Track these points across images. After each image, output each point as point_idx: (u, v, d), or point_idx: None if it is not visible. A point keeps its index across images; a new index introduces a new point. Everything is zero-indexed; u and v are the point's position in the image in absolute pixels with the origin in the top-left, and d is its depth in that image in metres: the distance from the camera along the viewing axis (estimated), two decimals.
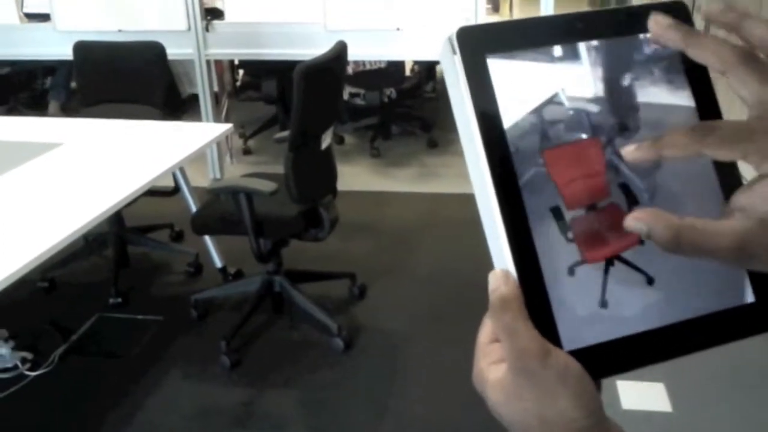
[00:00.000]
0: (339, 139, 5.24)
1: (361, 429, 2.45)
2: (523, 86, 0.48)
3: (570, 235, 0.48)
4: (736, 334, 0.47)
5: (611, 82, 0.50)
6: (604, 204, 0.50)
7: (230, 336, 2.79)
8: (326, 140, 2.79)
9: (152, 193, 2.98)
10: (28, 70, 5.99)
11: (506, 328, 0.43)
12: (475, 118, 0.45)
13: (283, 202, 2.69)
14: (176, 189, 3.35)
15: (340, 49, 2.76)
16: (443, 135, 5.19)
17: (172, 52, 3.64)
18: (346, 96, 5.13)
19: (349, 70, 4.77)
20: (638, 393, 2.51)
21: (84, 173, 2.58)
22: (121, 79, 3.51)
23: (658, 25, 0.44)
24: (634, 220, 0.42)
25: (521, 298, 0.44)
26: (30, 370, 2.71)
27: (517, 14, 7.07)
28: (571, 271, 0.48)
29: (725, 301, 0.48)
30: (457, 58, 0.45)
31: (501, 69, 0.47)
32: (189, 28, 4.24)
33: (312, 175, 2.75)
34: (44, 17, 4.48)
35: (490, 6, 5.30)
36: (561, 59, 0.49)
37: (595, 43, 0.49)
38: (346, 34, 3.19)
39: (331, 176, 2.93)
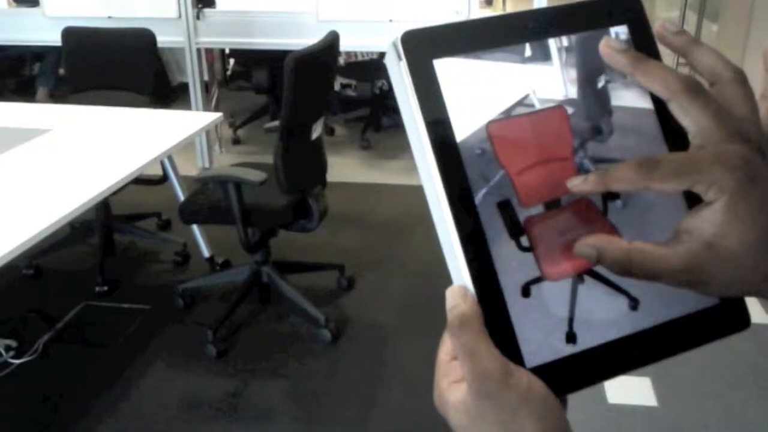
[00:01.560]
0: (329, 130, 5.22)
1: (348, 420, 2.45)
2: (482, 91, 0.45)
3: (524, 241, 0.44)
4: (701, 339, 0.45)
5: (584, 83, 0.47)
6: (571, 200, 0.45)
7: (217, 326, 2.78)
8: (316, 131, 2.77)
9: (140, 181, 2.96)
10: (16, 55, 5.93)
11: (465, 348, 0.41)
12: (425, 129, 0.42)
13: (272, 192, 2.68)
14: (164, 177, 3.33)
15: (332, 40, 2.75)
16: None
17: (163, 39, 3.61)
18: (337, 87, 5.12)
19: (341, 61, 4.76)
20: (624, 387, 2.52)
21: (71, 160, 2.56)
22: (110, 66, 3.48)
23: (608, 47, 0.43)
24: (583, 246, 0.41)
25: (480, 316, 0.42)
26: (14, 358, 2.69)
27: (510, 8, 7.06)
28: (526, 290, 0.44)
29: (688, 305, 0.45)
30: (403, 64, 0.43)
31: (453, 73, 0.44)
32: (180, 16, 4.21)
33: (302, 165, 2.74)
34: (33, 2, 4.44)
35: None
36: (529, 59, 0.46)
37: (565, 42, 0.46)
38: (338, 24, 3.18)
39: (321, 167, 2.92)
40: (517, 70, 0.46)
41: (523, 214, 0.44)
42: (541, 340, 0.43)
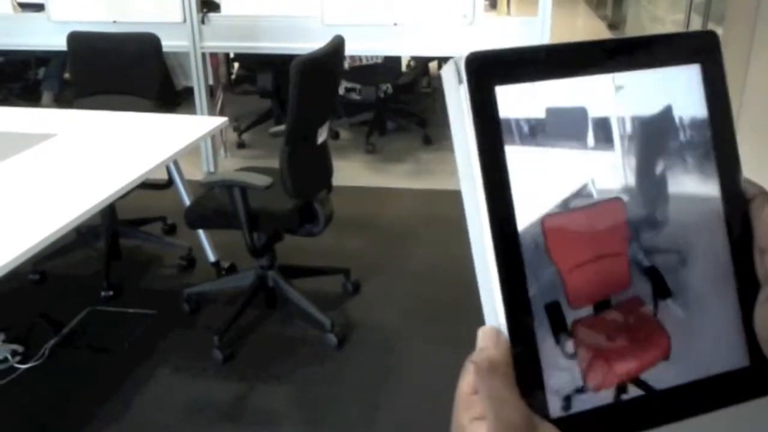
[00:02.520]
0: (334, 134, 5.22)
1: (354, 424, 2.44)
2: (543, 174, 0.42)
3: (570, 348, 0.42)
4: (731, 399, 0.44)
5: (643, 169, 0.44)
6: (621, 299, 0.43)
7: (223, 330, 2.77)
8: (322, 135, 2.77)
9: (145, 185, 2.95)
10: (21, 60, 5.95)
11: (492, 394, 0.40)
12: (478, 161, 0.40)
13: (277, 196, 2.67)
14: (170, 182, 3.33)
15: (338, 44, 2.74)
16: (438, 131, 5.17)
17: (168, 44, 3.61)
18: (341, 91, 5.11)
19: (346, 64, 4.75)
20: None
21: (77, 165, 2.56)
22: (115, 71, 3.48)
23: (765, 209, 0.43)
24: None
25: (510, 363, 0.40)
26: (20, 363, 2.69)
27: (515, 11, 7.06)
28: (567, 402, 0.42)
29: (721, 365, 0.44)
30: (463, 89, 0.40)
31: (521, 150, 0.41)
32: (184, 20, 4.22)
33: (307, 170, 2.73)
34: (38, 7, 4.44)
35: (487, 2, 5.28)
36: (591, 146, 0.43)
37: (629, 129, 0.43)
38: (343, 28, 3.17)
39: (327, 171, 2.92)
40: (577, 156, 0.43)
41: (571, 317, 0.42)
42: (568, 391, 0.41)
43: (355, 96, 5.18)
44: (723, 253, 0.44)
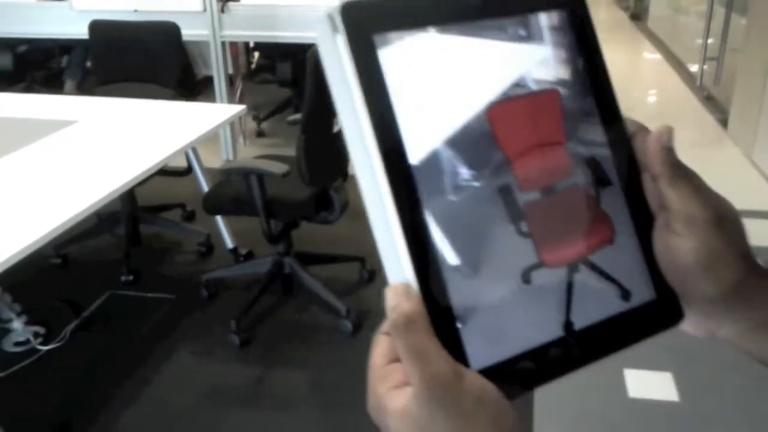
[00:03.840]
0: None
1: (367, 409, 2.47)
2: (435, 71, 0.42)
3: (524, 227, 0.42)
4: (640, 334, 0.45)
5: (570, 65, 0.45)
6: (563, 186, 0.44)
7: (240, 315, 2.81)
8: (338, 124, 2.79)
9: (165, 172, 3.00)
10: (44, 48, 6.02)
11: (413, 350, 0.38)
12: (366, 114, 0.39)
13: (294, 184, 2.70)
14: (189, 169, 3.37)
15: None
16: None
17: (188, 33, 3.64)
18: None
19: None
20: (645, 382, 2.51)
21: (97, 151, 2.60)
22: (136, 59, 3.53)
23: (659, 144, 0.44)
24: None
25: (426, 316, 0.39)
26: (42, 344, 2.75)
27: None
28: (526, 276, 0.42)
29: (625, 303, 0.45)
30: (341, 39, 0.39)
31: (401, 52, 0.40)
32: (204, 9, 4.25)
33: (323, 157, 2.76)
34: None
35: None
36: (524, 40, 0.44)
37: (551, 21, 0.45)
38: None
39: (342, 159, 2.94)
40: (510, 50, 0.44)
41: (521, 199, 0.42)
42: (485, 340, 0.40)
43: None
44: (617, 189, 0.46)
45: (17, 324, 2.76)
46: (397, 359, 0.40)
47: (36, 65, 6.13)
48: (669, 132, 0.45)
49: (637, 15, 9.34)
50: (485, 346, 0.40)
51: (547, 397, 2.42)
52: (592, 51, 0.46)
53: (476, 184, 0.41)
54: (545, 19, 0.45)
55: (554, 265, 0.43)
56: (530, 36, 0.45)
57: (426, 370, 0.38)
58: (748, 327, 0.46)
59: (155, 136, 2.74)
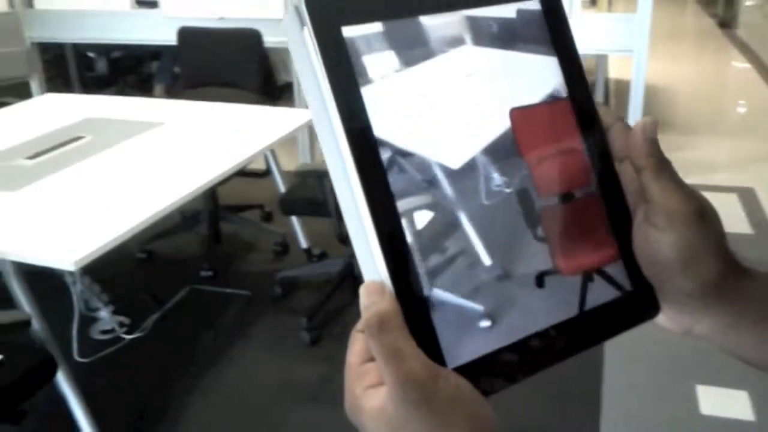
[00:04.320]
0: None
1: None
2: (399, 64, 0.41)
3: (540, 231, 0.42)
4: (617, 327, 0.45)
5: (541, 55, 0.45)
6: (582, 194, 0.44)
7: (311, 314, 2.90)
8: None
9: (245, 173, 3.12)
10: (136, 54, 6.31)
11: (388, 349, 0.37)
12: (335, 107, 0.38)
13: None
14: (267, 171, 3.49)
15: None
16: None
17: (270, 40, 3.77)
18: None
19: None
20: (719, 399, 2.45)
21: (182, 151, 2.73)
22: (220, 64, 3.68)
23: (645, 135, 0.44)
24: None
25: (400, 314, 0.38)
26: (126, 333, 2.90)
27: (619, 8, 6.89)
28: (540, 281, 0.42)
29: (601, 296, 0.45)
30: (307, 32, 0.39)
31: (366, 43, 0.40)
32: None
33: None
34: (153, 4, 4.73)
35: None
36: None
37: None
38: None
39: None
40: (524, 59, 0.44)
41: (538, 204, 0.43)
42: (460, 337, 0.40)
43: None
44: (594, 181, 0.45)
45: (104, 313, 2.92)
46: (372, 358, 0.39)
47: (128, 70, 6.44)
48: (653, 124, 0.44)
49: (726, 22, 9.03)
50: (460, 344, 0.40)
51: (617, 409, 2.39)
52: (564, 40, 0.45)
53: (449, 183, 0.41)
54: (516, 8, 0.44)
55: (569, 272, 0.43)
56: (500, 26, 0.44)
57: (400, 370, 0.37)
58: (724, 323, 0.46)
59: (236, 139, 2.86)
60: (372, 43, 0.40)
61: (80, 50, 6.04)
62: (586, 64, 0.47)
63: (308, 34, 0.38)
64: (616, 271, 0.45)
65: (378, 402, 0.38)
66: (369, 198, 0.38)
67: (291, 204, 3.05)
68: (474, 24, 0.43)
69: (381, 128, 0.39)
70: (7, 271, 2.07)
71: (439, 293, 0.40)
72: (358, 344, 0.41)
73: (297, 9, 0.38)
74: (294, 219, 3.49)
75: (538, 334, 0.42)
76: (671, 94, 6.20)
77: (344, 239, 2.89)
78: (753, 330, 0.46)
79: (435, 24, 0.42)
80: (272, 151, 3.32)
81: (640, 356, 2.69)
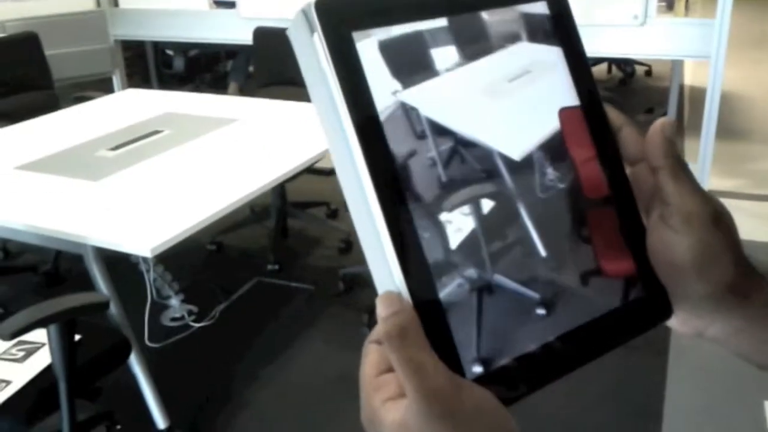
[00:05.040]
0: None
1: None
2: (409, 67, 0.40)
3: (585, 231, 0.43)
4: (632, 331, 0.44)
5: (550, 57, 0.45)
6: (605, 204, 0.45)
7: (372, 310, 2.89)
8: None
9: (313, 171, 3.18)
10: (212, 53, 6.51)
11: (410, 362, 0.37)
12: (347, 114, 0.37)
13: None
14: (334, 169, 3.55)
15: None
16: None
17: None
18: None
19: None
20: None
21: (254, 148, 2.81)
22: (293, 64, 3.71)
23: (663, 133, 0.44)
24: None
25: (420, 326, 0.37)
26: (195, 321, 3.01)
27: (697, 14, 6.71)
28: (585, 279, 0.42)
29: (615, 300, 0.44)
30: (318, 39, 0.37)
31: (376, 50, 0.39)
32: None
33: None
34: (230, 4, 4.87)
35: (663, 3, 5.10)
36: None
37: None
38: None
39: None
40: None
41: (585, 205, 0.44)
42: (478, 347, 0.40)
43: None
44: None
45: (175, 301, 3.04)
46: (389, 369, 0.38)
47: (204, 68, 6.64)
48: (671, 124, 0.44)
49: None
50: (480, 354, 0.39)
51: (679, 429, 2.36)
52: (572, 42, 0.45)
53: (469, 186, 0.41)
54: (524, 11, 0.44)
55: (612, 274, 0.43)
56: (510, 29, 0.44)
57: (423, 384, 0.36)
58: (737, 327, 0.46)
59: (306, 137, 2.93)
60: (384, 47, 0.39)
61: (159, 48, 6.27)
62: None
63: (318, 40, 0.37)
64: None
65: (399, 415, 0.37)
66: (384, 208, 0.37)
67: None
68: (484, 20, 0.43)
69: (443, 119, 0.40)
70: (88, 256, 2.19)
71: (498, 278, 0.41)
72: (373, 355, 0.40)
73: (305, 14, 0.37)
74: None
75: (554, 343, 0.41)
76: (749, 102, 6.01)
77: None
78: (766, 334, 0.46)
79: (460, 23, 0.42)
80: None
81: (704, 372, 2.64)
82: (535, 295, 0.42)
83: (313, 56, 0.38)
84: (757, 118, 5.62)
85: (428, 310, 0.38)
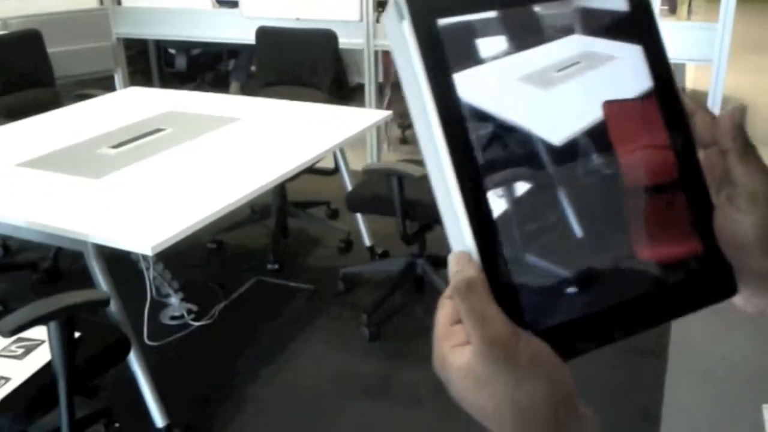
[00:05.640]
0: None
1: None
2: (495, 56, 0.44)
3: (624, 218, 0.46)
4: (697, 304, 0.46)
5: (627, 46, 0.47)
6: (668, 188, 0.47)
7: (372, 310, 2.95)
8: None
9: (314, 171, 3.19)
10: (215, 52, 6.51)
11: (474, 312, 0.42)
12: (430, 95, 0.42)
13: (431, 188, 2.79)
14: (336, 169, 3.56)
15: None
16: None
17: (344, 41, 3.84)
18: None
19: None
20: None
21: (256, 147, 2.82)
22: (295, 64, 3.77)
23: (733, 121, 0.46)
24: None
25: (485, 281, 0.42)
26: (194, 320, 3.01)
27: (700, 17, 6.71)
28: (649, 255, 0.45)
29: (681, 272, 0.47)
30: (406, 25, 0.42)
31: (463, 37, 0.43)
32: (361, 19, 4.45)
33: None
34: (233, 4, 4.88)
35: (666, 7, 5.10)
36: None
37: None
38: None
39: None
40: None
41: (624, 192, 0.46)
42: (542, 304, 0.43)
43: None
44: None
45: (174, 300, 3.04)
46: (459, 321, 0.43)
47: (206, 67, 6.64)
48: (742, 111, 0.47)
49: None
50: (543, 311, 0.43)
51: (678, 428, 2.36)
52: (650, 33, 0.47)
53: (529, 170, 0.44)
54: (604, 2, 0.47)
55: (679, 251, 0.46)
56: (588, 21, 0.46)
57: (485, 331, 0.41)
58: None
59: (307, 136, 2.94)
60: (467, 34, 0.43)
61: (162, 46, 6.27)
62: None
63: (407, 27, 0.42)
64: (695, 262, 0.47)
65: (464, 359, 0.42)
66: (459, 180, 0.42)
67: (357, 202, 3.11)
68: (562, 12, 0.46)
69: (486, 104, 0.43)
70: (88, 253, 2.19)
71: (531, 258, 0.44)
72: (445, 309, 0.44)
73: (397, 3, 0.42)
74: (359, 217, 3.55)
75: (617, 306, 0.45)
76: (752, 107, 6.01)
77: (408, 238, 2.94)
78: None
79: (536, 13, 0.46)
80: (341, 150, 3.39)
81: (703, 374, 2.64)
82: (566, 273, 0.45)
83: (402, 41, 0.42)
84: (759, 124, 5.62)
85: (495, 269, 0.42)
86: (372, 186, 3.07)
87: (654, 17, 0.48)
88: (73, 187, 2.38)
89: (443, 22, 0.42)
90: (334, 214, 4.01)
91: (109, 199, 2.28)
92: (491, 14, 0.44)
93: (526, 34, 0.45)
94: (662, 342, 2.76)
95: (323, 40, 3.69)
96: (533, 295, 0.43)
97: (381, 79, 4.81)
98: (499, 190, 0.43)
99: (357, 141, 3.33)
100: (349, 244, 3.64)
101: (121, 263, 2.66)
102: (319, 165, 2.92)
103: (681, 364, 2.67)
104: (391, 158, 4.64)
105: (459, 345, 0.43)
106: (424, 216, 2.96)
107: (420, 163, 2.90)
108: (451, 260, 0.43)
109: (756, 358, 2.72)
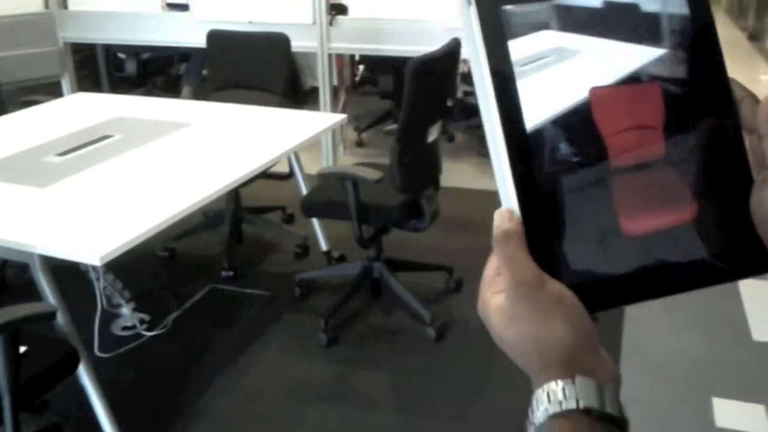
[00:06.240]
0: (450, 137, 5.30)
1: (447, 416, 2.52)
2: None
3: (610, 195, 0.49)
4: (726, 276, 0.50)
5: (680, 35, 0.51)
6: (658, 165, 0.50)
7: (329, 315, 2.93)
8: (433, 134, 2.87)
9: (268, 175, 3.16)
10: (165, 56, 6.41)
11: (507, 258, 0.48)
12: (488, 71, 0.47)
13: (387, 191, 2.80)
14: (290, 174, 3.53)
15: (453, 46, 2.83)
16: None
17: (297, 44, 3.81)
18: (460, 94, 5.19)
19: (465, 68, 4.83)
20: (734, 412, 2.44)
21: (208, 152, 2.78)
22: (248, 67, 3.73)
23: (766, 106, 0.49)
24: None
25: (522, 234, 0.48)
26: (147, 330, 2.95)
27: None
28: (602, 240, 0.49)
29: (714, 246, 0.50)
30: (473, 10, 0.47)
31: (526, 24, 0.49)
32: (314, 22, 4.43)
33: (416, 166, 2.84)
34: (183, 7, 4.80)
35: None
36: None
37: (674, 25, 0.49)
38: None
39: (435, 169, 3.01)
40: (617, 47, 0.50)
41: (611, 168, 0.49)
42: (578, 262, 0.48)
43: (472, 99, 5.24)
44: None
45: (126, 310, 2.98)
46: (501, 273, 0.50)
47: (157, 71, 6.53)
48: None
49: (757, 35, 8.94)
50: (576, 266, 0.48)
51: (632, 419, 2.39)
52: (705, 20, 0.50)
53: (579, 156, 0.49)
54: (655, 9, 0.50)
55: (632, 233, 0.49)
56: (645, 19, 0.50)
57: (516, 274, 0.48)
58: None
59: (261, 141, 2.90)
60: (528, 21, 0.48)
61: (110, 51, 6.14)
62: None
63: (473, 12, 0.47)
64: (678, 233, 0.49)
65: (500, 301, 0.49)
66: (510, 150, 0.48)
67: (312, 206, 3.09)
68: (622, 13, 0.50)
69: (525, 95, 0.48)
70: (34, 264, 2.13)
71: (569, 219, 0.49)
72: (492, 262, 0.51)
73: None
74: (315, 221, 3.53)
75: (645, 269, 0.49)
76: None
77: (364, 242, 2.93)
78: None
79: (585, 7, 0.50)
80: (296, 154, 3.36)
81: (655, 368, 2.69)
82: (593, 239, 0.50)
83: (469, 24, 0.48)
84: None
85: (533, 226, 0.48)
86: (327, 190, 3.05)
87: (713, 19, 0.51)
88: (18, 197, 2.31)
89: (508, 8, 0.48)
90: (289, 219, 3.97)
91: (55, 209, 2.21)
92: (550, 4, 0.49)
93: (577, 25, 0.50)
94: (615, 334, 2.80)
95: (276, 44, 3.65)
96: (568, 252, 0.48)
97: (336, 82, 4.79)
98: (545, 156, 0.49)
99: (313, 144, 3.31)
100: (305, 249, 3.61)
101: (69, 274, 2.59)
102: (274, 169, 2.89)
103: (633, 360, 2.72)
104: (348, 161, 4.62)
105: (498, 292, 0.50)
106: (379, 219, 2.96)
107: (376, 166, 2.89)
108: (496, 216, 0.49)
109: (706, 353, 2.78)
